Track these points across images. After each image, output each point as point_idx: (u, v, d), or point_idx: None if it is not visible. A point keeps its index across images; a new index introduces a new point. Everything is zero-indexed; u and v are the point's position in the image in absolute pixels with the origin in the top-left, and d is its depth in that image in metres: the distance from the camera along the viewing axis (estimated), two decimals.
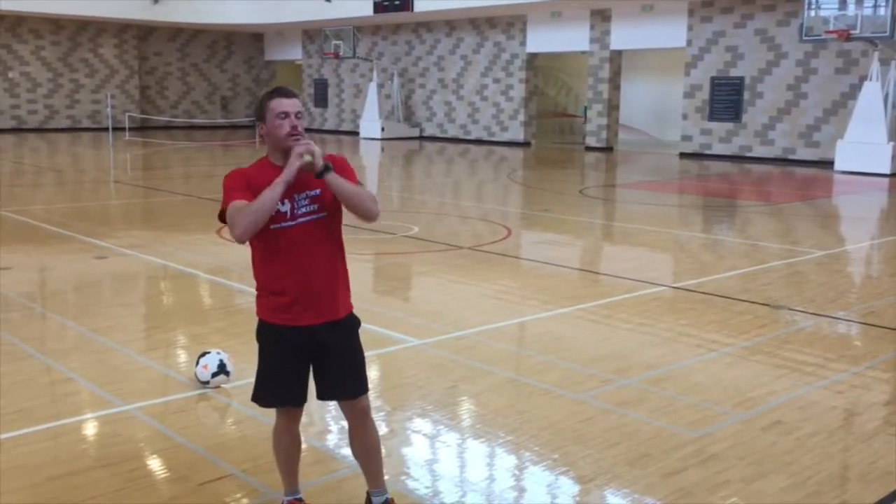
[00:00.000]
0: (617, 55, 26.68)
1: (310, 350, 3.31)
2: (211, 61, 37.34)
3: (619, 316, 6.98)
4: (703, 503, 3.73)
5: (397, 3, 27.94)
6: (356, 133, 32.58)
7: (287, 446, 3.48)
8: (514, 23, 28.43)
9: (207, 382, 4.99)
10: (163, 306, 7.61)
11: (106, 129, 32.09)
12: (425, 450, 4.39)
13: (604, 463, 4.14)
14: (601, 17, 26.31)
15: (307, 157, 3.12)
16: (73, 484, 3.83)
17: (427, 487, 3.92)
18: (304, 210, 3.21)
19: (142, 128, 34.02)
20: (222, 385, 5.04)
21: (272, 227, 3.20)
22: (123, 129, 31.91)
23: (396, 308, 7.37)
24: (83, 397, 4.99)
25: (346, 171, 3.27)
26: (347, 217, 3.37)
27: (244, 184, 3.21)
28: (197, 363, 5.04)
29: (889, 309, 7.46)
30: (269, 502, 3.70)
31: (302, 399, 3.41)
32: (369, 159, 24.25)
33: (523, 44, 28.35)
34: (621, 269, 9.02)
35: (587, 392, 5.15)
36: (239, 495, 3.78)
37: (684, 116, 24.90)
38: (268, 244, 3.23)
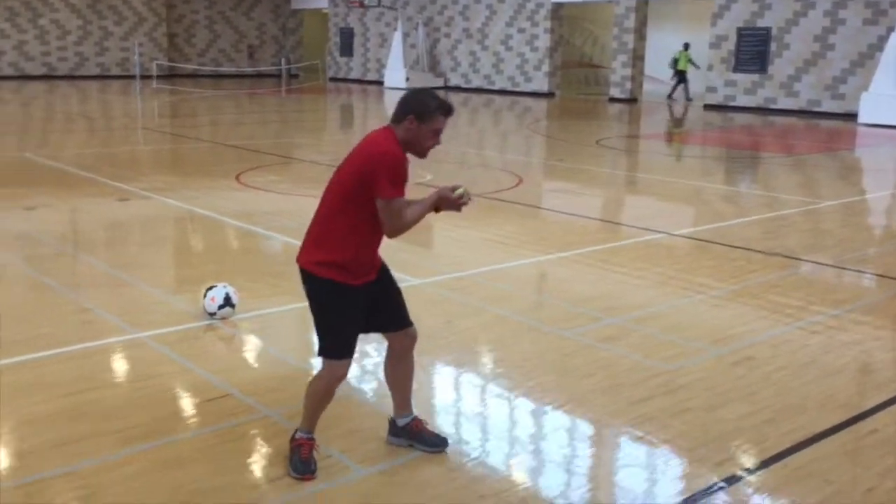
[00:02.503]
0: (643, 4, 26.40)
1: (371, 299, 3.63)
2: (238, 9, 37.42)
3: (616, 260, 7.22)
4: (663, 427, 4.02)
5: None
6: (381, 82, 32.65)
7: (332, 394, 3.67)
8: None
9: (214, 314, 5.33)
10: (182, 246, 7.97)
11: (134, 77, 32.49)
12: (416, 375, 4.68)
13: (577, 391, 4.43)
14: None
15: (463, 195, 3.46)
16: (88, 399, 4.21)
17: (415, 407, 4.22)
18: None
19: (169, 76, 34.33)
20: (228, 317, 5.38)
21: None
22: (151, 76, 32.29)
23: (401, 250, 7.63)
24: (99, 325, 5.36)
25: None
26: None
27: (405, 177, 3.48)
28: (204, 296, 5.38)
29: (883, 257, 7.62)
30: (265, 418, 4.06)
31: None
32: (393, 109, 24.30)
33: None
34: (626, 217, 9.22)
35: (574, 329, 5.42)
36: (238, 411, 4.14)
37: (709, 68, 24.68)
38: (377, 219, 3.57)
